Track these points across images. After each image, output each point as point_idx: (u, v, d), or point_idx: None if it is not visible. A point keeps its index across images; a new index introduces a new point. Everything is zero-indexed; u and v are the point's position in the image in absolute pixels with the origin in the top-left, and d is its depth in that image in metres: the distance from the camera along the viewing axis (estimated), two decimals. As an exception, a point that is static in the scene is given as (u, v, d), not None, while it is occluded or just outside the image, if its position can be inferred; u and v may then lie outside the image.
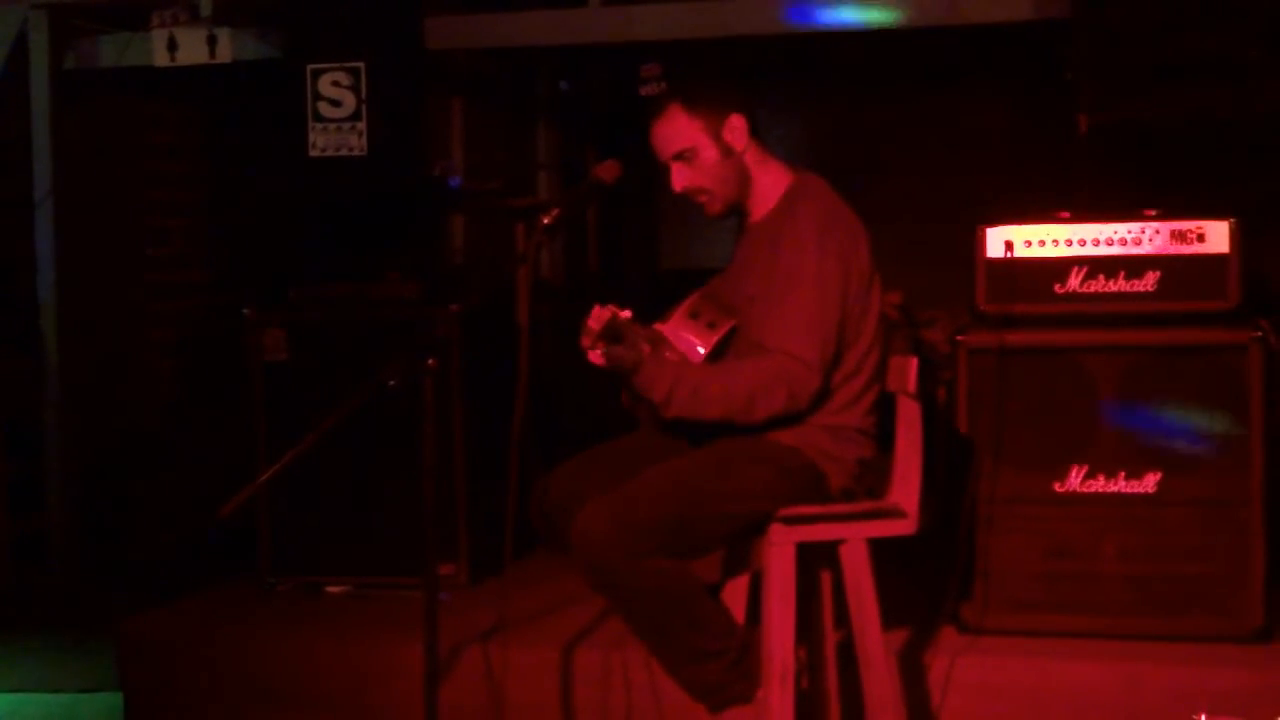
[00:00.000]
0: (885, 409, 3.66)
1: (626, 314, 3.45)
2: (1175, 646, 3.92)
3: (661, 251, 7.12)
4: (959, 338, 4.09)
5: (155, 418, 6.29)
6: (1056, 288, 4.08)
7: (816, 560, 3.65)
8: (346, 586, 4.78)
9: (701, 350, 3.56)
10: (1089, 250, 4.06)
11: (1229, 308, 3.99)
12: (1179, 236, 4.02)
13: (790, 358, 3.45)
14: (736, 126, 3.61)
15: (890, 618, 3.59)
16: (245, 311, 4.82)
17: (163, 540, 5.96)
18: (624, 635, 3.63)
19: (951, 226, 4.30)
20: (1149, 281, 4.04)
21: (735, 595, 3.74)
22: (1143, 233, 4.04)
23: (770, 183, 3.66)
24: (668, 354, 3.54)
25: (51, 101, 5.81)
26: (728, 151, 3.61)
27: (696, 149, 3.60)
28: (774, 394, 3.45)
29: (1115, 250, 4.05)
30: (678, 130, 3.60)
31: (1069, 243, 4.07)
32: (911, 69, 6.20)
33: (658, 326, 3.62)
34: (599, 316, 3.45)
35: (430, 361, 3.21)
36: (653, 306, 3.69)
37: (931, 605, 4.08)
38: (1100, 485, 4.02)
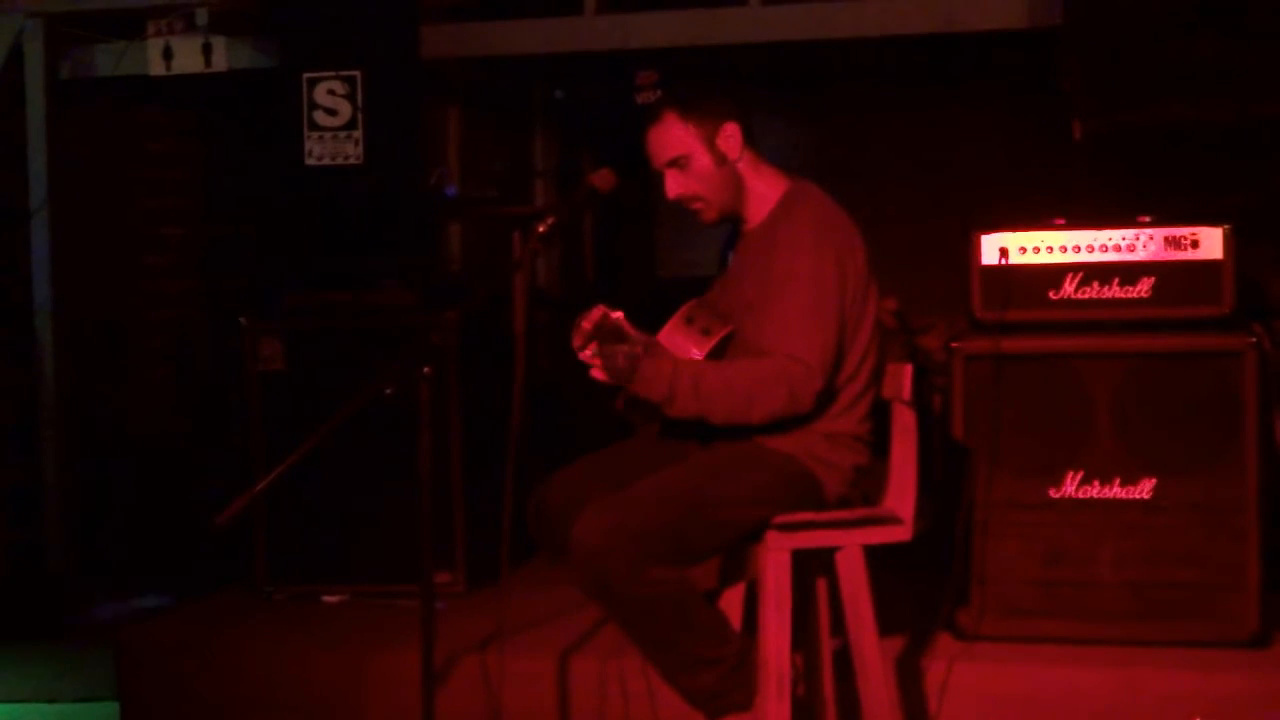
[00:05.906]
0: (881, 416, 3.66)
1: (618, 314, 3.45)
2: (1171, 652, 3.93)
3: (659, 259, 7.12)
4: (954, 344, 4.09)
5: (151, 426, 6.29)
6: (1051, 294, 4.08)
7: (813, 567, 3.65)
8: (343, 595, 4.78)
9: (697, 356, 3.55)
10: (1084, 257, 4.07)
11: (1223, 313, 4.00)
12: (1173, 243, 4.03)
13: (790, 359, 3.43)
14: (731, 134, 3.61)
15: (886, 624, 3.59)
16: (241, 320, 4.81)
17: (159, 549, 5.95)
18: (621, 643, 3.63)
19: (947, 233, 4.31)
20: (1144, 288, 4.04)
21: (732, 603, 3.73)
22: (1137, 239, 4.05)
23: (765, 190, 3.66)
24: (662, 358, 3.54)
25: (47, 110, 5.80)
26: (721, 159, 3.61)
27: (690, 156, 3.60)
28: (774, 393, 3.42)
29: (1110, 257, 4.06)
30: (672, 138, 3.60)
31: (1064, 249, 4.08)
32: (907, 77, 6.21)
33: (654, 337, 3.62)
34: (591, 316, 3.46)
35: (427, 369, 3.20)
36: (650, 314, 3.68)
37: (928, 612, 4.08)
38: (1096, 491, 4.02)
